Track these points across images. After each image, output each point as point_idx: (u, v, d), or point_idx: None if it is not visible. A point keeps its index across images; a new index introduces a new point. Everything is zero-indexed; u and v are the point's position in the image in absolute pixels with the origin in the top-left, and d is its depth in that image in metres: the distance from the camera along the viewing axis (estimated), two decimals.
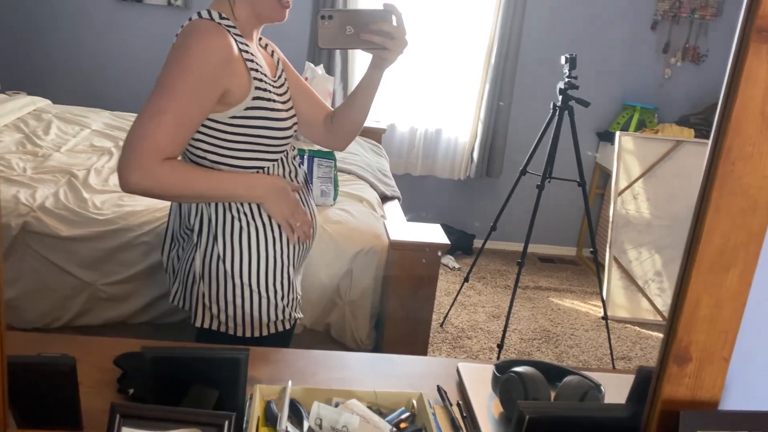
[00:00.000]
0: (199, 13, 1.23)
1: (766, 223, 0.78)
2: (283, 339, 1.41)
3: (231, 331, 1.36)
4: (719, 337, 0.83)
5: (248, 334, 1.36)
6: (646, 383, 0.90)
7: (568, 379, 1.07)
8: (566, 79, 2.80)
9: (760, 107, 0.75)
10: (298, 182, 1.40)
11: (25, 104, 3.16)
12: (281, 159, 1.35)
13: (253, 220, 1.32)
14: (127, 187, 1.16)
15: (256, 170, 1.31)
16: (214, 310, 1.35)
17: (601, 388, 1.08)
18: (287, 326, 1.41)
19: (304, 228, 1.36)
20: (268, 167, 1.32)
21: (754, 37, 0.73)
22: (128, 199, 2.15)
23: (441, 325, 3.23)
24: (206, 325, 1.36)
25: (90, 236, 1.96)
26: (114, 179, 2.35)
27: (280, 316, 1.38)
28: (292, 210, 1.33)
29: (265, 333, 1.38)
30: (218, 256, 1.31)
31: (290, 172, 1.38)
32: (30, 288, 1.95)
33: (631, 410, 0.93)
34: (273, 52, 1.43)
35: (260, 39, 1.41)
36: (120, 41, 3.83)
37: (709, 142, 0.79)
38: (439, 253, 1.88)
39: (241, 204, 1.31)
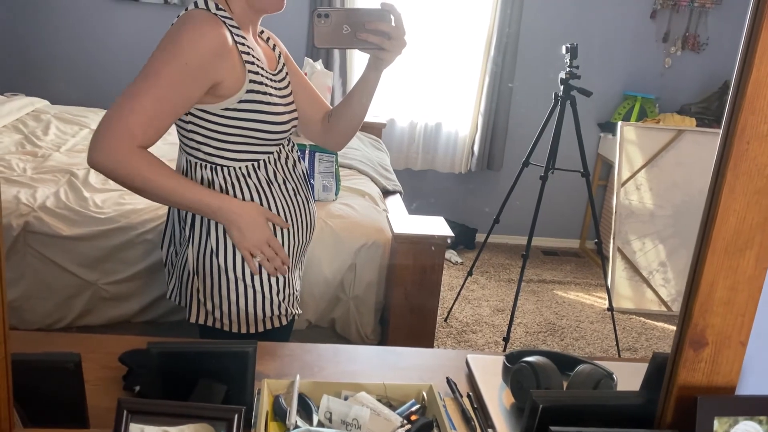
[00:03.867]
0: (195, 3, 1.22)
1: None
2: (280, 335, 1.38)
3: (226, 328, 1.33)
4: (736, 321, 0.81)
5: (243, 330, 1.34)
6: (660, 369, 0.89)
7: (580, 367, 1.05)
8: (567, 69, 2.78)
9: None
10: (296, 175, 1.38)
11: (23, 105, 3.15)
12: (276, 152, 1.33)
13: None
14: (90, 162, 1.14)
15: (250, 162, 1.28)
16: (209, 306, 1.33)
17: (614, 376, 1.06)
18: (284, 322, 1.39)
19: (275, 263, 1.30)
20: (264, 159, 1.30)
21: None
22: (129, 198, 2.13)
23: (445, 320, 3.22)
24: (201, 321, 1.34)
25: (91, 235, 1.94)
26: None
27: (276, 312, 1.36)
28: (260, 242, 1.27)
29: (261, 329, 1.35)
30: (211, 251, 1.29)
31: (286, 163, 1.35)
32: (32, 288, 1.94)
33: (646, 397, 0.91)
34: (274, 45, 1.41)
35: (262, 32, 1.39)
36: (117, 40, 3.80)
37: (723, 122, 0.78)
38: (449, 241, 1.88)
39: (235, 197, 1.28)
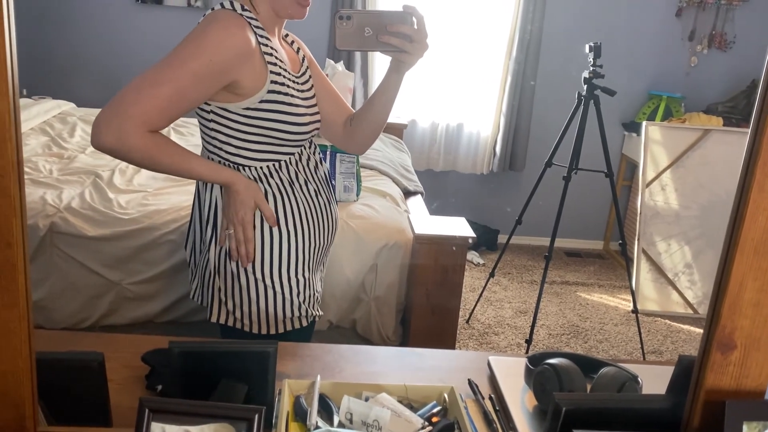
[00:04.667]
0: (221, 4, 1.23)
1: None
2: (301, 337, 1.38)
3: (246, 328, 1.34)
4: (766, 323, 0.79)
5: (264, 331, 1.34)
6: (687, 373, 0.87)
7: (604, 370, 1.04)
8: (591, 68, 2.74)
9: None
10: (318, 177, 1.38)
11: (50, 108, 3.20)
12: (298, 153, 1.33)
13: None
14: (98, 144, 1.13)
15: (270, 163, 1.29)
16: (230, 306, 1.33)
17: (639, 379, 1.04)
18: (304, 323, 1.39)
19: (240, 249, 1.29)
20: (285, 160, 1.31)
21: None
22: (153, 198, 2.15)
23: (467, 322, 3.20)
24: (222, 321, 1.35)
25: (115, 236, 1.97)
26: (138, 179, 2.36)
27: (296, 313, 1.36)
28: (235, 219, 1.27)
29: (281, 330, 1.35)
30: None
31: (308, 165, 1.35)
32: (58, 288, 1.97)
33: (672, 401, 0.89)
34: (299, 48, 1.41)
35: (287, 35, 1.39)
36: (141, 43, 3.85)
37: (752, 118, 0.76)
38: (470, 242, 1.86)
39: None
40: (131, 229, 1.98)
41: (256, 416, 0.74)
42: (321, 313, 1.44)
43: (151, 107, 1.13)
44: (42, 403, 0.88)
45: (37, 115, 3.05)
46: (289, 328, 1.36)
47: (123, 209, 2.06)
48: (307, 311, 1.37)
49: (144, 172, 2.42)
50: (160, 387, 1.06)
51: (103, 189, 2.19)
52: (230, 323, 1.35)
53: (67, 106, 3.38)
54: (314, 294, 1.40)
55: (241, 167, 1.28)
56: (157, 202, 2.11)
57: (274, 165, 1.30)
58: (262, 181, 1.29)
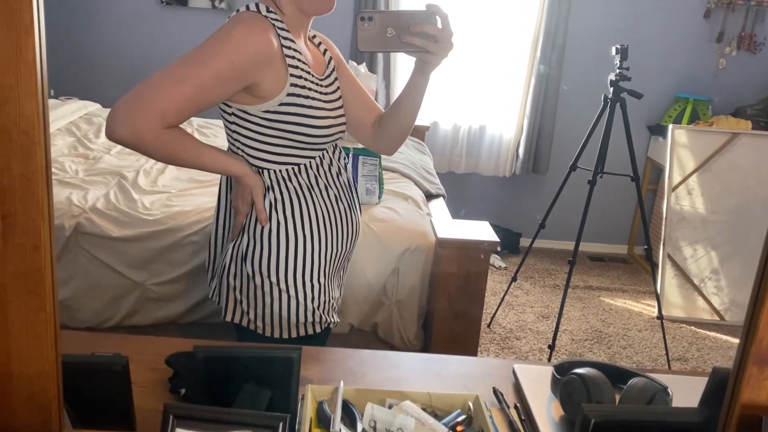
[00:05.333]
0: (247, 6, 1.23)
1: None
2: (315, 343, 1.35)
3: (260, 330, 1.34)
4: None
5: (276, 335, 1.34)
6: (721, 386, 0.84)
7: (633, 381, 1.01)
8: (617, 71, 2.71)
9: None
10: (340, 183, 1.36)
11: (76, 108, 3.24)
12: (319, 157, 1.31)
13: (285, 219, 1.30)
14: (112, 136, 1.13)
15: (290, 166, 1.28)
16: (244, 306, 1.33)
17: (669, 390, 1.02)
18: (318, 330, 1.37)
19: (236, 220, 1.33)
20: (305, 164, 1.29)
21: None
22: (177, 200, 2.17)
23: (488, 326, 3.17)
24: (236, 321, 1.34)
25: (140, 236, 1.98)
26: (163, 180, 2.37)
27: (310, 318, 1.34)
28: (241, 204, 1.30)
29: (294, 335, 1.34)
30: (251, 252, 1.30)
31: (329, 170, 1.34)
32: (82, 288, 1.98)
33: (704, 414, 0.87)
34: (326, 50, 1.39)
35: (314, 37, 1.38)
36: (166, 44, 3.89)
37: None
38: (498, 249, 1.84)
39: (274, 200, 1.29)
40: (155, 230, 1.99)
41: (281, 424, 0.73)
42: (337, 320, 1.42)
43: (169, 105, 1.12)
44: (66, 406, 0.88)
45: (63, 115, 3.09)
46: (302, 333, 1.35)
47: (147, 210, 2.07)
48: (321, 317, 1.36)
49: (168, 173, 2.43)
50: (183, 390, 1.06)
51: (128, 190, 2.21)
52: (244, 323, 1.34)
53: (93, 107, 3.42)
54: (330, 300, 1.38)
55: (260, 170, 1.28)
56: (181, 203, 2.12)
57: (293, 168, 1.29)
58: (280, 185, 1.29)
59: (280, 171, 1.28)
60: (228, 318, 1.35)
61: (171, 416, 0.73)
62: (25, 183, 0.75)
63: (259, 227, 1.29)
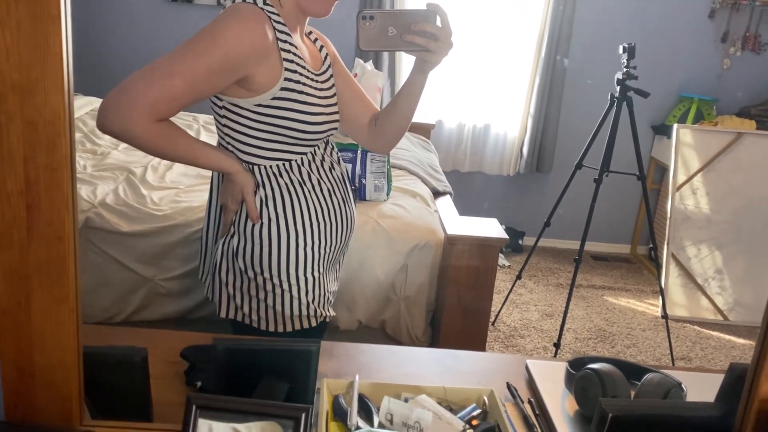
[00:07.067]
0: None
1: None
2: (311, 336, 1.35)
3: (255, 324, 1.33)
4: None
5: (272, 329, 1.33)
6: (738, 381, 0.85)
7: (649, 376, 1.02)
8: (624, 70, 2.71)
9: None
10: (333, 177, 1.35)
11: (82, 105, 3.24)
12: (311, 153, 1.30)
13: (276, 215, 1.29)
14: (102, 128, 1.12)
15: (281, 162, 1.27)
16: (237, 301, 1.32)
17: (683, 386, 1.03)
18: (313, 323, 1.36)
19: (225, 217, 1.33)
20: (296, 160, 1.28)
21: None
22: (185, 195, 2.17)
23: (492, 324, 3.18)
24: (231, 316, 1.33)
25: (149, 232, 1.98)
26: (171, 175, 2.37)
27: (305, 312, 1.33)
28: (231, 201, 1.29)
29: (289, 329, 1.33)
30: (242, 249, 1.29)
31: (321, 165, 1.33)
32: (92, 283, 1.99)
33: (721, 409, 0.87)
34: (322, 46, 1.39)
35: (310, 33, 1.38)
36: (171, 41, 3.85)
37: None
38: (506, 248, 1.83)
39: (265, 197, 1.28)
40: (164, 226, 1.99)
41: (303, 415, 0.74)
42: (333, 313, 1.41)
43: (160, 98, 1.11)
44: (86, 397, 0.88)
45: None
46: (297, 327, 1.34)
47: (156, 205, 2.08)
48: (316, 311, 1.35)
49: (176, 168, 2.44)
50: (199, 383, 1.06)
51: (137, 185, 2.21)
52: (239, 319, 1.33)
53: (98, 103, 3.41)
54: (325, 294, 1.37)
55: (251, 165, 1.27)
56: (190, 199, 2.12)
57: (284, 164, 1.27)
58: (270, 181, 1.27)
59: (271, 167, 1.27)
60: (222, 314, 1.34)
61: (194, 406, 0.74)
62: (50, 173, 0.75)
63: (249, 224, 1.28)
